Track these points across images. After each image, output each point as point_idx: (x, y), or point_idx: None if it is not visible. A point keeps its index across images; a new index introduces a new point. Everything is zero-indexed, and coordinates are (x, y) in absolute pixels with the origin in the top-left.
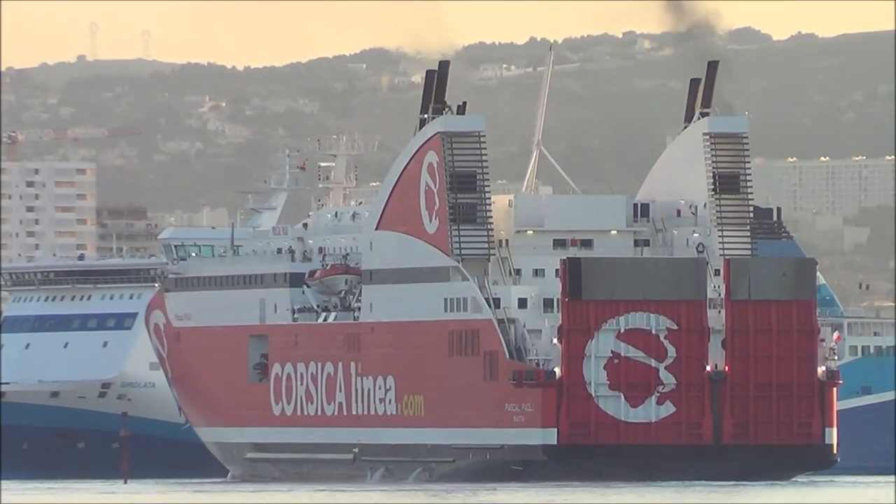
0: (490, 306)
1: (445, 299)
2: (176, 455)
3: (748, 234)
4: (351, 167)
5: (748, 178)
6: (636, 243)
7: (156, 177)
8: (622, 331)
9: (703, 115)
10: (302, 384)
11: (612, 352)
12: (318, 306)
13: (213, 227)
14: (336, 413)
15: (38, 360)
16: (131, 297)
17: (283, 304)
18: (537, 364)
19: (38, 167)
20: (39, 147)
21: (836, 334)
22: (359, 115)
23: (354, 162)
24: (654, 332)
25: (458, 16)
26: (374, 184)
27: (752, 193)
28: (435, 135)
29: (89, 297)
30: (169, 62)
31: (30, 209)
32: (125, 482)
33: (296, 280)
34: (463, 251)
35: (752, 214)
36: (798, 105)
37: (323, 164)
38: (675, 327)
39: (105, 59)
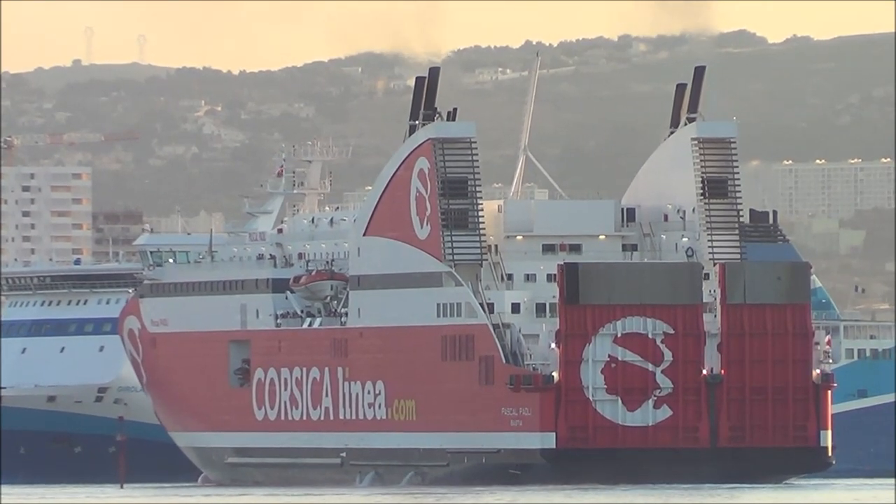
0: (484, 311)
1: (438, 304)
2: (172, 459)
3: (737, 238)
4: (325, 173)
5: (737, 182)
6: (624, 248)
7: (151, 181)
8: (619, 335)
9: (689, 120)
10: (286, 389)
11: (609, 356)
12: (302, 312)
13: (189, 233)
14: (322, 418)
15: (35, 364)
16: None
17: (265, 310)
18: (534, 368)
19: (33, 172)
20: (35, 152)
21: (827, 337)
22: (354, 118)
23: (329, 167)
24: (650, 336)
25: (454, 19)
26: (369, 188)
27: (740, 198)
28: (426, 141)
29: (85, 302)
30: (164, 66)
31: (26, 214)
32: (121, 487)
33: (278, 285)
34: (455, 257)
35: (741, 218)
36: (793, 108)
37: (298, 170)
38: (672, 331)
39: (100, 63)
